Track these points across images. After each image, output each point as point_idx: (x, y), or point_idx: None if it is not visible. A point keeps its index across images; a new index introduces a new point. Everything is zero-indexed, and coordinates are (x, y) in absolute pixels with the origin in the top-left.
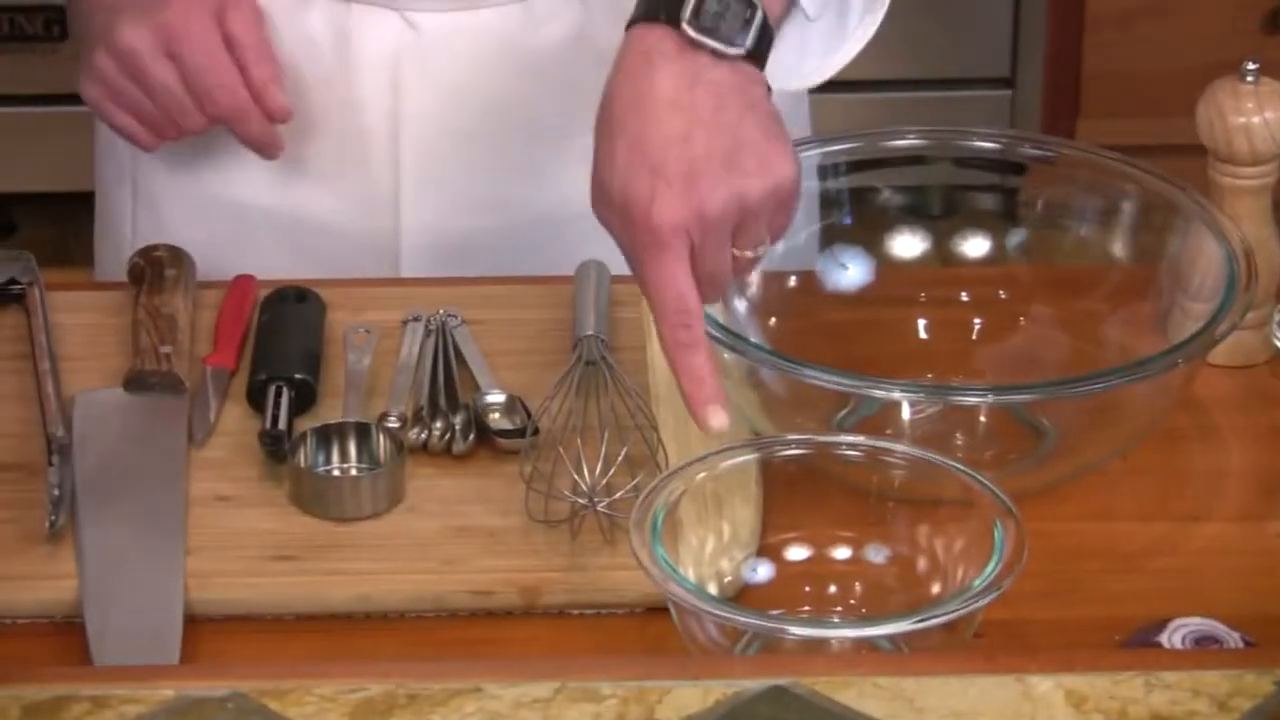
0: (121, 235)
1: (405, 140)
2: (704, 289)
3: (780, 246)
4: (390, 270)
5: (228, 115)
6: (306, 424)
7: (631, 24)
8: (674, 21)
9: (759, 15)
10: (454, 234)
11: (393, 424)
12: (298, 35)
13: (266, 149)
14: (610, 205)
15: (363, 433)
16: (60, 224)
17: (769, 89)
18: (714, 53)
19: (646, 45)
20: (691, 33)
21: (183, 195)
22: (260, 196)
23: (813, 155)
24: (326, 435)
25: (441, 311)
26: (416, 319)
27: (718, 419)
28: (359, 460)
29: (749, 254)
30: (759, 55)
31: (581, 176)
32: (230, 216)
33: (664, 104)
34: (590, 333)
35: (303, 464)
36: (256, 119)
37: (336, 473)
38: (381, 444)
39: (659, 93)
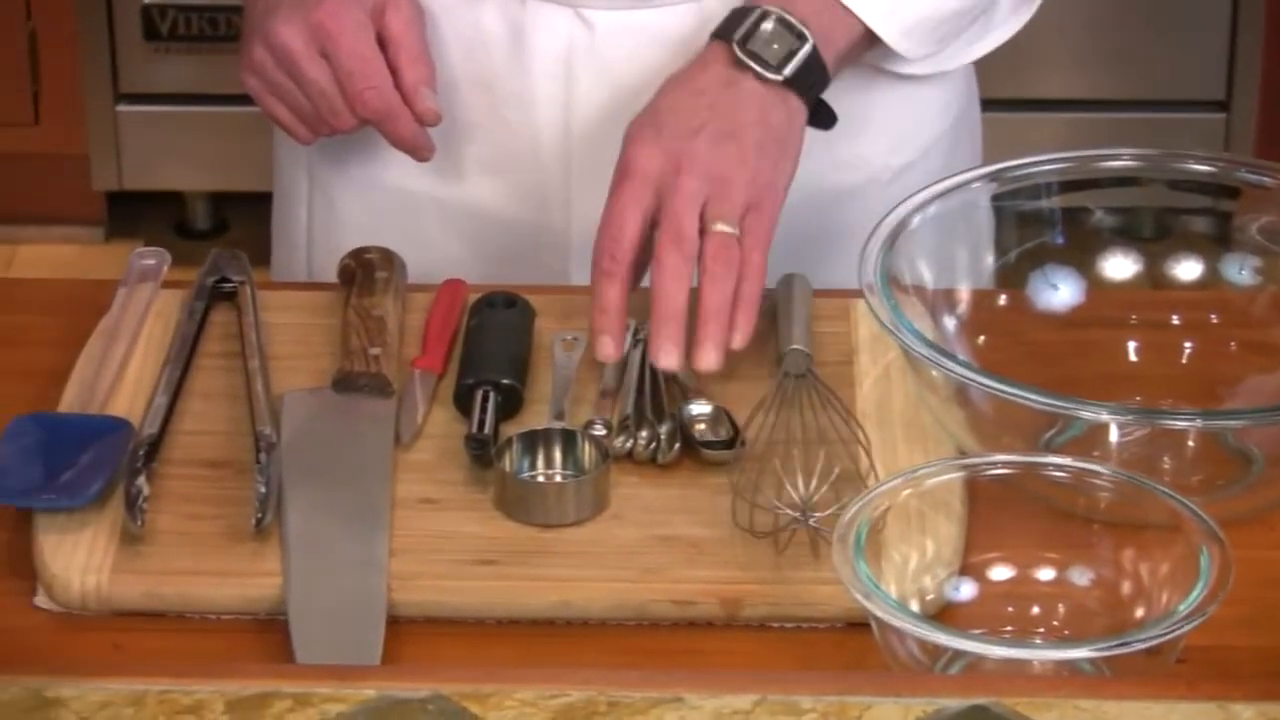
0: (297, 221)
1: (576, 136)
2: (667, 243)
3: (990, 262)
4: (560, 264)
5: (377, 117)
6: (512, 429)
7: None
8: (728, 40)
9: (806, 48)
10: None
11: (598, 431)
12: (472, 30)
13: (416, 151)
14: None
15: (568, 439)
16: (270, 223)
17: (804, 121)
18: (756, 74)
19: (705, 55)
20: (738, 51)
21: (356, 184)
22: (432, 188)
23: (1024, 174)
24: (532, 441)
25: None
26: (633, 330)
27: (605, 350)
28: (564, 467)
29: (716, 226)
30: (801, 84)
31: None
32: (401, 207)
33: (690, 89)
34: (795, 346)
35: (508, 469)
36: (406, 121)
37: (541, 479)
38: (587, 451)
39: (692, 82)
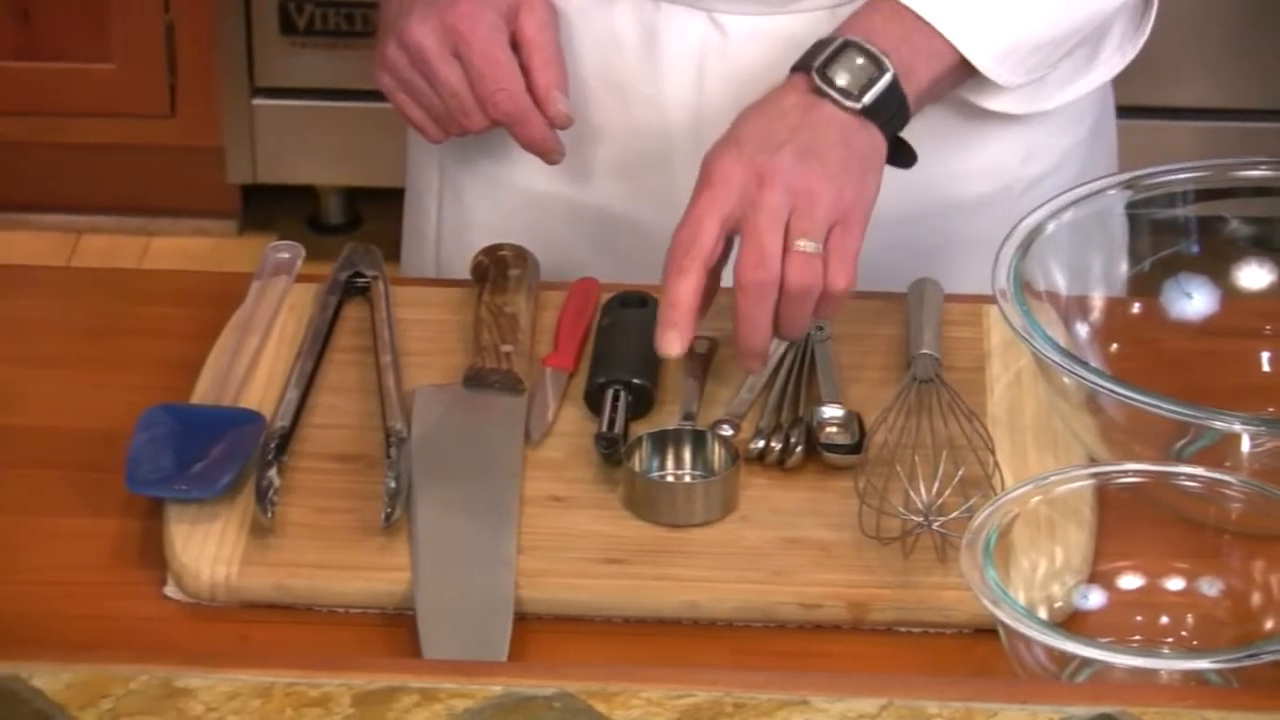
0: (427, 217)
1: (707, 139)
2: (750, 261)
3: (1124, 270)
4: None
5: (508, 119)
6: (643, 429)
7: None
8: (807, 70)
9: (886, 78)
10: None
11: (725, 432)
12: (604, 32)
13: (546, 154)
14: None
15: (699, 440)
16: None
17: (885, 152)
18: (835, 102)
19: (785, 85)
20: (817, 79)
21: (486, 183)
22: (561, 189)
23: (1160, 182)
24: (662, 441)
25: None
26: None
27: (671, 346)
28: (693, 467)
29: (799, 244)
30: (880, 115)
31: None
32: (530, 206)
33: (771, 113)
34: (925, 350)
35: (637, 468)
36: (537, 124)
37: (670, 479)
38: (716, 452)
39: (773, 106)
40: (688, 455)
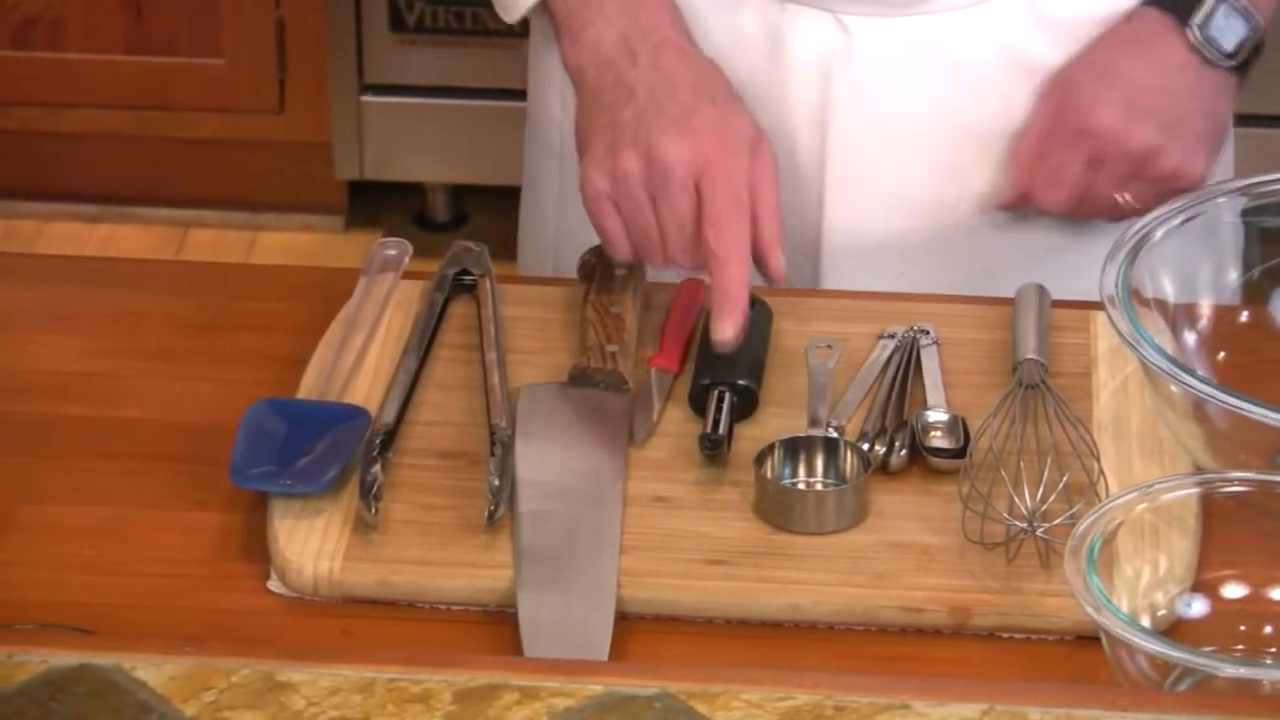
0: (545, 215)
1: (832, 140)
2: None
3: (1234, 278)
4: (810, 268)
5: (716, 270)
6: (747, 430)
7: (1144, 4)
8: (1182, 19)
9: (1255, 36)
10: (875, 235)
11: (831, 434)
12: (730, 32)
13: (729, 317)
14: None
15: (830, 447)
16: (510, 217)
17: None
18: (1205, 58)
19: (1147, 29)
20: (1194, 35)
21: None
22: None
23: (1273, 190)
24: (794, 447)
25: (915, 327)
26: (890, 336)
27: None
28: (825, 475)
29: (1129, 200)
30: (1245, 70)
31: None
32: None
33: (1162, 67)
34: (1031, 356)
35: (769, 475)
36: (737, 283)
37: (802, 486)
38: (849, 460)
39: (1159, 60)
40: (819, 463)
